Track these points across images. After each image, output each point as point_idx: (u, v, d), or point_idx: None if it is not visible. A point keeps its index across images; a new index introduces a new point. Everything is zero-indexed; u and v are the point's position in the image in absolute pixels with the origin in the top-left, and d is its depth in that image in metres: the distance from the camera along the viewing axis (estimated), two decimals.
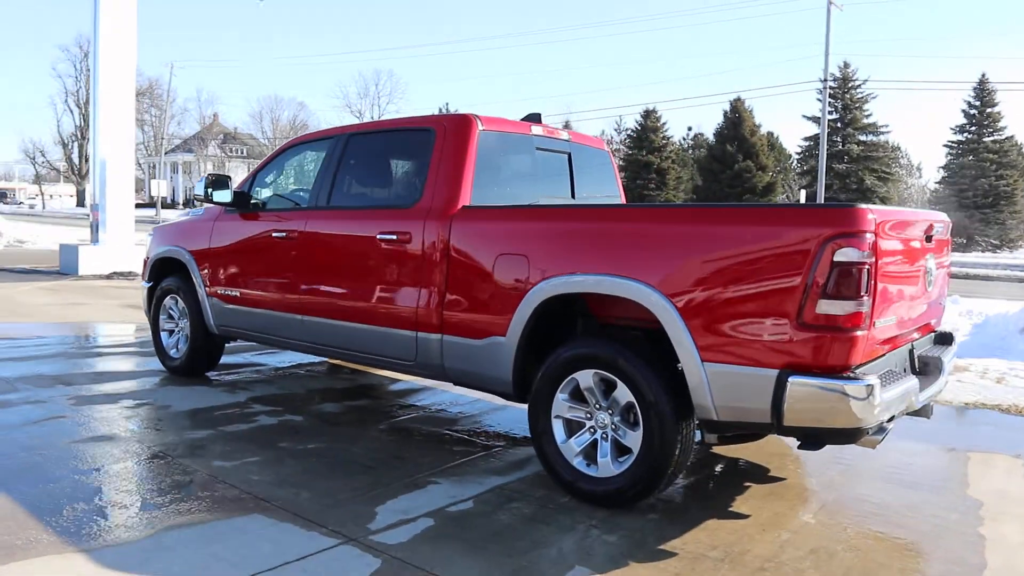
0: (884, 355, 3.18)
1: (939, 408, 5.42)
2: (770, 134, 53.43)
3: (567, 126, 53.49)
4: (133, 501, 3.30)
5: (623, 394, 3.31)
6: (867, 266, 2.81)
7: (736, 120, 42.96)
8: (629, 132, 51.69)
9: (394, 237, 4.13)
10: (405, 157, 4.44)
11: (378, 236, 4.20)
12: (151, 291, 5.91)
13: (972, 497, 3.68)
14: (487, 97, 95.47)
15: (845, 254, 2.79)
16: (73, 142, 68.05)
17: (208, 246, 5.36)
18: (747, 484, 3.80)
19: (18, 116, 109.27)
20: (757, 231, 2.99)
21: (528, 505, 3.40)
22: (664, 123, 48.42)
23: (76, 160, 68.00)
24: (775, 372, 2.91)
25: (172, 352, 5.79)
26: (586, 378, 3.42)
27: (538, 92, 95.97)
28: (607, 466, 3.37)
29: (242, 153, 74.92)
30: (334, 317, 4.47)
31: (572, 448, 3.48)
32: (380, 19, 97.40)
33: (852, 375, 2.86)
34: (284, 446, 4.15)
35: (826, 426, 2.89)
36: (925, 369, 3.67)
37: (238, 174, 72.59)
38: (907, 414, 3.42)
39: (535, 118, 4.69)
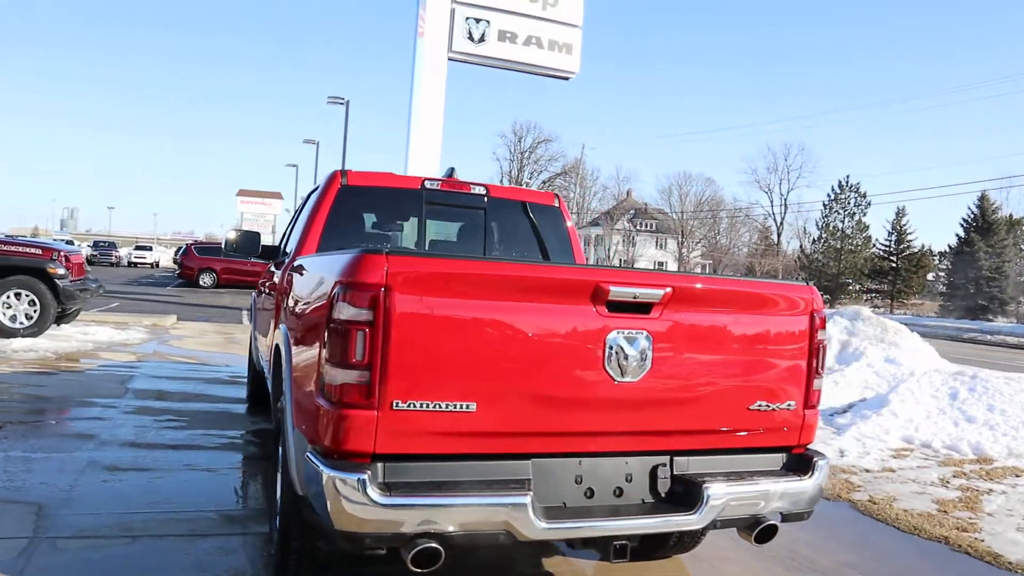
0: (477, 456, 2.40)
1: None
2: None
3: (982, 198, 44.60)
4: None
5: None
6: (365, 327, 2.24)
7: None
8: None
9: (274, 283, 4.42)
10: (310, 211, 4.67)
11: (275, 282, 4.52)
12: None
13: None
14: (905, 165, 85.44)
15: (340, 309, 2.29)
16: None
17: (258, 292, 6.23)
18: None
19: None
20: (312, 278, 2.63)
21: None
22: None
23: None
24: (309, 447, 2.47)
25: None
26: None
27: (966, 156, 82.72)
28: None
29: (651, 227, 77.84)
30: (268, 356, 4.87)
31: None
32: (789, 91, 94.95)
33: (351, 465, 2.27)
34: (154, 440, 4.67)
35: (326, 525, 2.32)
36: (674, 498, 2.61)
37: (646, 248, 75.91)
38: (585, 543, 2.50)
39: (448, 173, 4.56)
